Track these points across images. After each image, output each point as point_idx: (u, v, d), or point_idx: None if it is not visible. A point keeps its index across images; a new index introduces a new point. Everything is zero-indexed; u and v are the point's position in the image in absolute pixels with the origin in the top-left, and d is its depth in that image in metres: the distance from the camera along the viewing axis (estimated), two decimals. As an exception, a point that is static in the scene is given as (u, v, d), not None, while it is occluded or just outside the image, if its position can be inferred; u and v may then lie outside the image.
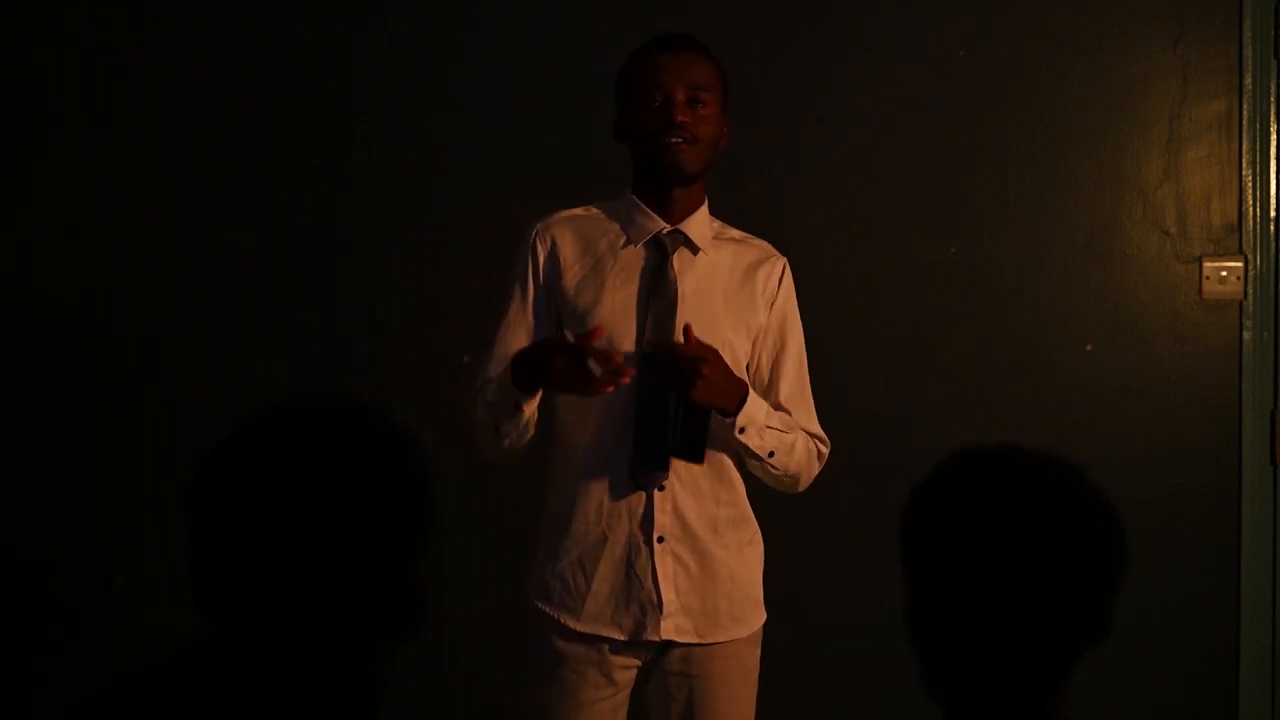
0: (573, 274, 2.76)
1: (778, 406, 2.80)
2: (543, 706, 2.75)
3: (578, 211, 2.83)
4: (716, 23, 3.74)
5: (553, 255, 2.77)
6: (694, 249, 2.78)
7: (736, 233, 2.87)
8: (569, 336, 2.57)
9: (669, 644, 2.75)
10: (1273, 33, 3.66)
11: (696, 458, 2.69)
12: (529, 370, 2.61)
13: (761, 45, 3.73)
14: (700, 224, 2.80)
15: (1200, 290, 3.68)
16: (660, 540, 2.73)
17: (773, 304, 2.83)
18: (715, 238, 2.83)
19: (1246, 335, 3.68)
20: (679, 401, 2.64)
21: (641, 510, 2.72)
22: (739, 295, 2.80)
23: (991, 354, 3.72)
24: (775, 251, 2.88)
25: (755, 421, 2.69)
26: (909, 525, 1.56)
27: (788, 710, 3.73)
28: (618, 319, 2.71)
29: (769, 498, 3.72)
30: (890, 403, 3.72)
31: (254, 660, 1.06)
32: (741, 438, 2.69)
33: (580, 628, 2.72)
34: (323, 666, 1.08)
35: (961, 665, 1.53)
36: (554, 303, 2.77)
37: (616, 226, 2.79)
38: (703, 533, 2.75)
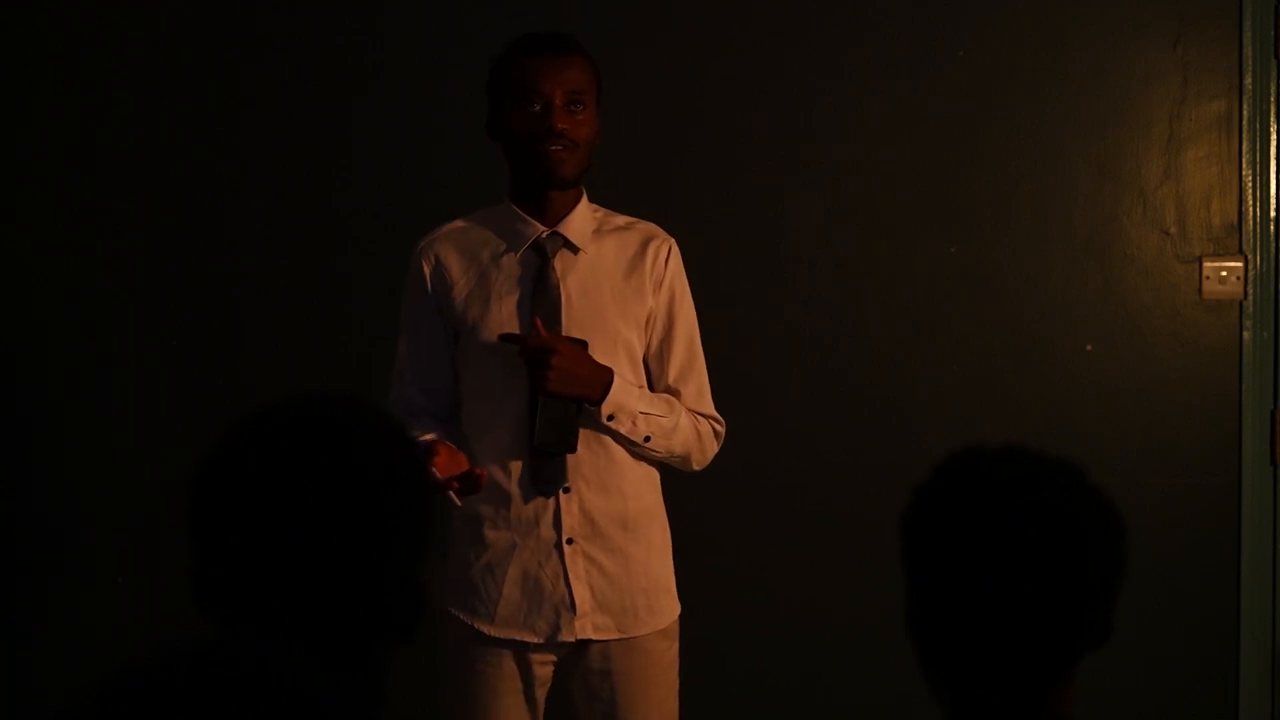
0: (459, 289, 2.77)
1: (669, 389, 2.82)
2: (462, 710, 2.78)
3: (459, 224, 2.84)
4: (716, 23, 3.74)
5: (438, 272, 2.79)
6: (574, 249, 2.78)
7: (621, 219, 2.86)
8: (436, 474, 2.55)
9: (587, 642, 2.77)
10: (1273, 33, 3.66)
11: (565, 448, 2.71)
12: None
13: (761, 46, 3.73)
14: (579, 221, 2.79)
15: (1200, 290, 3.68)
16: (570, 542, 2.75)
17: (660, 285, 2.82)
18: (597, 231, 2.81)
19: (1246, 335, 3.68)
20: (534, 395, 2.68)
21: (548, 514, 2.75)
22: (625, 286, 2.80)
23: (991, 354, 3.72)
24: (661, 233, 2.87)
25: (624, 408, 2.71)
26: (909, 525, 1.56)
27: (788, 710, 3.73)
28: (506, 328, 2.73)
29: (770, 498, 3.73)
30: (890, 402, 3.72)
31: (254, 660, 1.06)
32: (611, 424, 2.72)
33: (494, 633, 2.75)
34: (324, 667, 1.08)
35: (962, 665, 1.53)
36: (446, 318, 2.78)
37: (494, 234, 2.79)
38: (613, 530, 2.78)
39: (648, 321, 2.81)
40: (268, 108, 3.81)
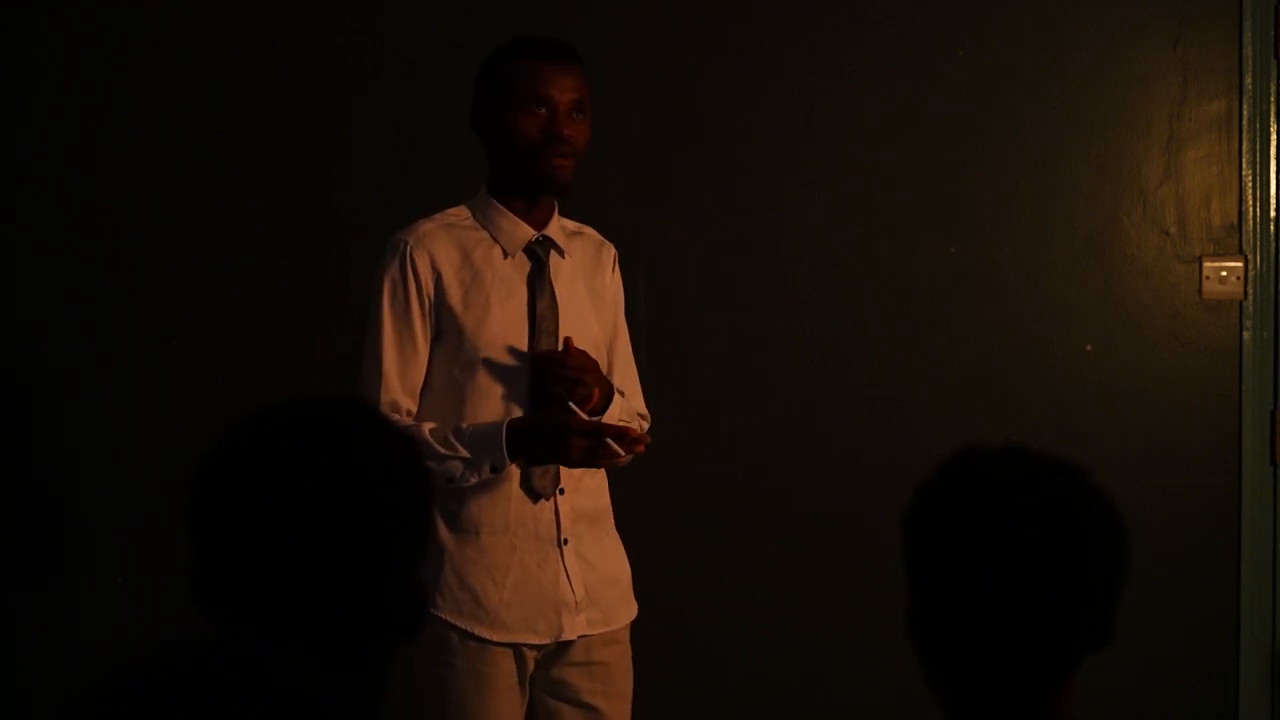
0: (455, 289, 2.75)
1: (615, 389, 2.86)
2: (460, 716, 2.73)
3: (441, 220, 2.81)
4: (716, 23, 3.74)
5: (433, 269, 2.75)
6: (561, 252, 2.82)
7: (570, 224, 2.90)
8: (581, 415, 2.60)
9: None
10: (1273, 33, 3.66)
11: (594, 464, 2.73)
12: (533, 448, 2.66)
13: (761, 46, 3.73)
14: (559, 227, 2.83)
15: (1200, 290, 3.68)
16: (565, 543, 2.77)
17: (612, 291, 2.90)
18: (566, 235, 2.86)
19: (1246, 335, 3.67)
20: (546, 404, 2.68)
21: (547, 515, 2.76)
22: (591, 289, 2.86)
23: (991, 354, 3.72)
24: (601, 238, 2.93)
25: (612, 418, 2.74)
26: (911, 525, 1.56)
27: (788, 710, 3.73)
28: (507, 333, 2.74)
29: (770, 498, 3.73)
30: (890, 402, 3.72)
31: (254, 660, 1.06)
32: None
33: (497, 638, 2.74)
34: (324, 667, 1.08)
35: (962, 665, 1.53)
36: (434, 318, 2.75)
37: (485, 235, 2.78)
38: (593, 527, 2.82)
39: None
40: (268, 108, 3.81)
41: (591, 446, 2.60)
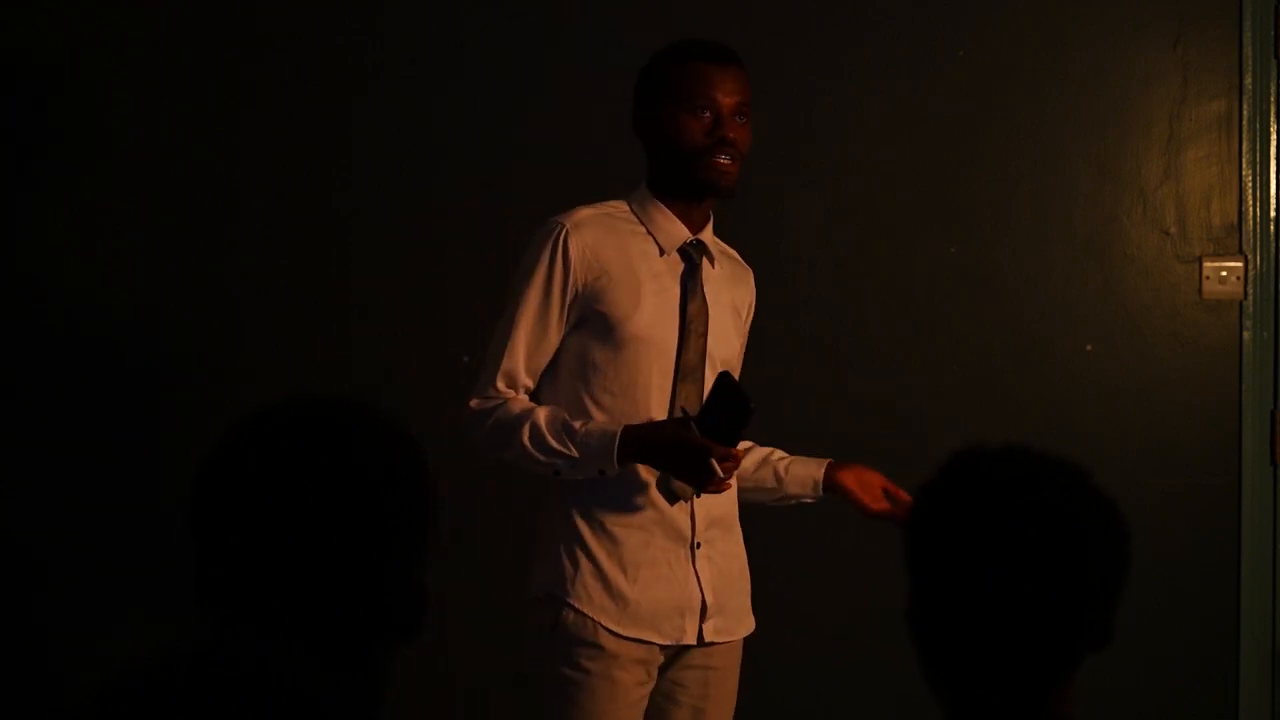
0: (608, 279, 2.72)
1: None
2: (582, 710, 2.71)
3: (600, 209, 2.79)
4: (716, 23, 3.74)
5: (586, 257, 2.72)
6: (711, 260, 2.83)
7: (719, 242, 2.91)
8: (702, 442, 2.59)
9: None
10: (1273, 33, 3.66)
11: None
12: (645, 454, 2.65)
13: (761, 45, 3.73)
14: (711, 236, 2.85)
15: (1200, 290, 3.68)
16: (698, 546, 2.77)
17: (746, 309, 2.93)
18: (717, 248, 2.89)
19: (1246, 335, 3.68)
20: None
21: (684, 516, 2.76)
22: (733, 302, 2.87)
23: (991, 354, 3.72)
24: (744, 263, 2.96)
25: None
26: (912, 524, 1.56)
27: (788, 710, 3.73)
28: (656, 327, 2.73)
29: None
30: (890, 402, 3.72)
31: (255, 660, 1.06)
32: None
33: (625, 632, 2.72)
34: (324, 667, 1.08)
35: (962, 665, 1.53)
36: (583, 304, 2.73)
37: (642, 229, 2.77)
38: (725, 533, 2.82)
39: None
40: (268, 108, 3.81)
41: (697, 465, 2.59)
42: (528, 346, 2.73)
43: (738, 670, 2.86)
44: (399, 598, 1.47)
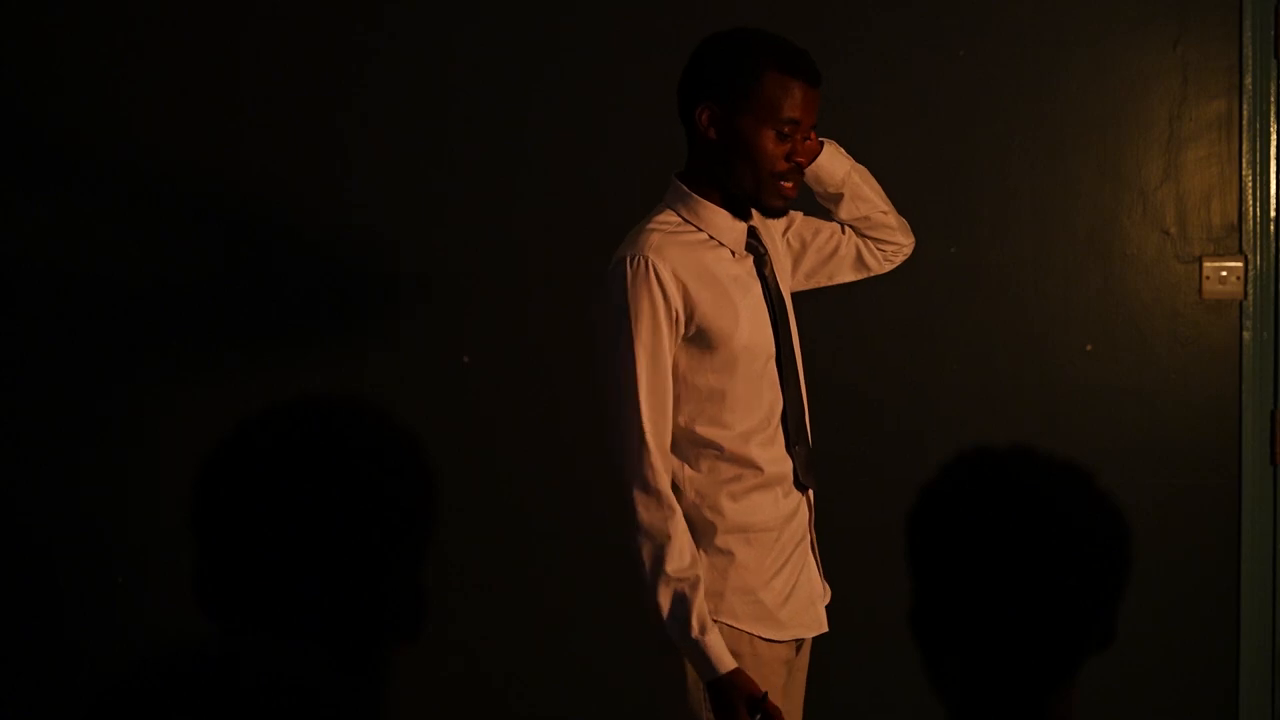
0: (704, 299, 2.60)
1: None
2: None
3: (660, 228, 2.64)
4: (716, 23, 3.74)
5: (681, 285, 2.58)
6: (769, 238, 2.81)
7: (756, 212, 2.84)
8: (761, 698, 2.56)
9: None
10: (1273, 33, 3.66)
11: None
12: (721, 691, 2.56)
13: (761, 45, 3.73)
14: (754, 213, 2.78)
15: (1200, 290, 3.68)
16: (814, 539, 2.80)
17: (781, 246, 2.87)
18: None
19: (1246, 335, 3.68)
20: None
21: (805, 511, 2.76)
22: (782, 253, 2.85)
23: (991, 354, 3.72)
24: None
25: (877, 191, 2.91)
26: (915, 525, 1.56)
27: (788, 710, 3.73)
28: (756, 331, 2.67)
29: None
30: (890, 403, 3.72)
31: (256, 660, 1.06)
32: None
33: (781, 637, 2.70)
34: (325, 666, 1.08)
35: (965, 665, 1.53)
36: (685, 331, 2.61)
37: (705, 235, 2.66)
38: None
39: (795, 262, 2.89)
40: (268, 107, 3.81)
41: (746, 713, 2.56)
42: (661, 406, 2.59)
43: (807, 664, 2.87)
44: (400, 598, 1.47)
